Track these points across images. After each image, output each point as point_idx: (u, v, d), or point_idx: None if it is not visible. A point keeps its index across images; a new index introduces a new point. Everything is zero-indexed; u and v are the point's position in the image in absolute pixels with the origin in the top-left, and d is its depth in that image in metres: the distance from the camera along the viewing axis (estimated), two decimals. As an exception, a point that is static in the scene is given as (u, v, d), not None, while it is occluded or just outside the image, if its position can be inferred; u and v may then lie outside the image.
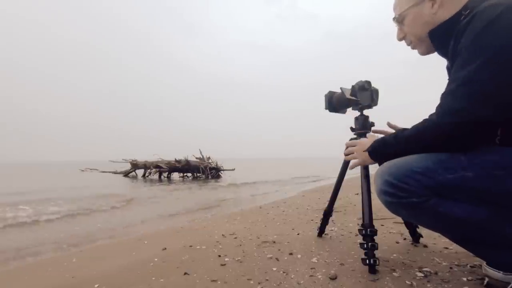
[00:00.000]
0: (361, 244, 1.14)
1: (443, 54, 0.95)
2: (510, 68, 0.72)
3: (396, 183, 0.85)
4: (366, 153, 1.02)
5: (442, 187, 0.81)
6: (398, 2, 0.99)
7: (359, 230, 1.17)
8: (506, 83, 0.72)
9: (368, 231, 1.13)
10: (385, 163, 0.92)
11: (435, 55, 0.99)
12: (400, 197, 0.85)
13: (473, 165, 0.79)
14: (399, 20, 1.00)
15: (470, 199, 0.81)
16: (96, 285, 1.25)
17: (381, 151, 0.97)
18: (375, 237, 1.13)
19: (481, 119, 0.74)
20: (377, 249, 1.12)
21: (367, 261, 1.11)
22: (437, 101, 0.85)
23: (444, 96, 0.83)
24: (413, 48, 1.03)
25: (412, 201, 0.84)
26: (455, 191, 0.81)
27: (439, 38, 0.92)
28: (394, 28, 1.05)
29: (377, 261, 1.11)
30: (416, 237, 1.49)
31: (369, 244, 1.11)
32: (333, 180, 1.57)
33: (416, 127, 0.88)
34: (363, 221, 1.17)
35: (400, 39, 1.04)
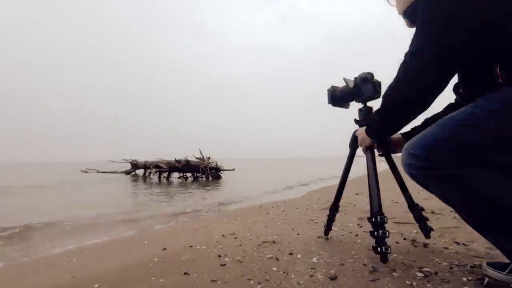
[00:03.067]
0: (371, 233, 1.12)
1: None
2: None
3: (419, 154, 0.81)
4: (363, 129, 1.16)
5: (467, 150, 0.75)
6: None
7: (368, 218, 1.15)
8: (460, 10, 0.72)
9: (378, 218, 1.11)
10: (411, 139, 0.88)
11: None
12: (423, 168, 0.81)
13: (489, 113, 0.74)
14: None
15: (501, 151, 0.73)
16: (96, 285, 1.25)
17: (370, 124, 1.12)
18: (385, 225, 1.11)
19: (442, 50, 0.73)
20: (388, 237, 1.09)
21: (378, 249, 1.09)
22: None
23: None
24: None
25: (438, 173, 0.78)
26: (482, 148, 0.74)
27: (410, 15, 0.96)
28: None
29: (389, 249, 1.08)
30: (426, 230, 1.39)
31: (380, 232, 1.08)
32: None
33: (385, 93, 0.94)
34: (372, 209, 1.15)
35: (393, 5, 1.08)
